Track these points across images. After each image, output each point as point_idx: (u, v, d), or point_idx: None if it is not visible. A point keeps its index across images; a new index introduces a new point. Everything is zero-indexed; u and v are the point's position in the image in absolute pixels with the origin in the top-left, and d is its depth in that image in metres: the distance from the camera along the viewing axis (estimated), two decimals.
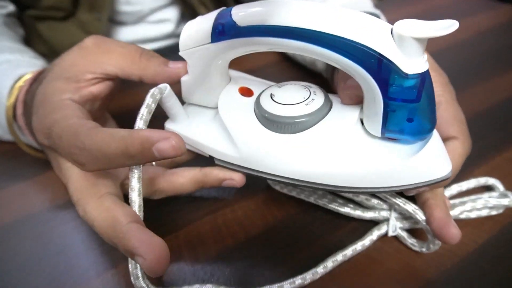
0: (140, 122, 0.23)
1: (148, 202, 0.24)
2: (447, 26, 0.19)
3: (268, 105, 0.24)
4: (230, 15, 0.23)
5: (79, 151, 0.22)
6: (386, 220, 0.27)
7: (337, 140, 0.23)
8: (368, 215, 0.27)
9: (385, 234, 0.27)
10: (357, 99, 0.24)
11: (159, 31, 0.57)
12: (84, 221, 0.23)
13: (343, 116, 0.24)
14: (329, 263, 0.25)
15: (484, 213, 0.28)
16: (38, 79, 0.30)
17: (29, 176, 0.32)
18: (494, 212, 0.28)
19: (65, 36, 0.51)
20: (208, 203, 0.30)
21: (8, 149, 0.35)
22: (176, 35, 0.60)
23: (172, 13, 0.56)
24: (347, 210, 0.28)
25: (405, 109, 0.21)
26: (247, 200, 0.30)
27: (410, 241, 0.26)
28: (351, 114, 0.24)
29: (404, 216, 0.27)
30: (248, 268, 0.25)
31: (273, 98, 0.25)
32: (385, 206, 0.27)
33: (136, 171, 0.23)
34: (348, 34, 0.20)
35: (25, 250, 0.27)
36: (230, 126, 0.25)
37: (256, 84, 0.28)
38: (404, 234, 0.26)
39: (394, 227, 0.26)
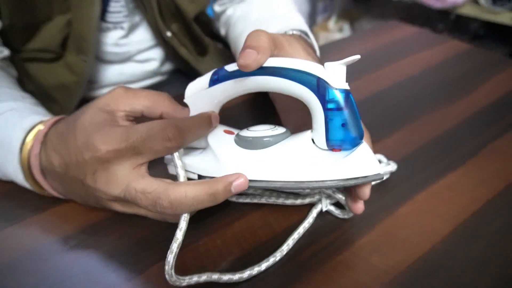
0: (181, 171, 0.30)
1: None
2: (353, 58, 0.29)
3: (246, 133, 0.32)
4: (224, 67, 0.32)
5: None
6: (320, 200, 0.36)
7: (292, 152, 0.31)
8: (307, 200, 0.36)
9: (320, 211, 0.36)
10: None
11: (145, 69, 0.63)
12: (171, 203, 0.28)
13: (298, 138, 0.32)
14: (290, 241, 0.33)
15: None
16: (60, 122, 0.34)
17: (25, 216, 0.36)
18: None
19: (53, 76, 0.55)
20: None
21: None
22: (160, 73, 0.66)
23: (157, 53, 0.62)
24: (291, 201, 0.36)
25: (339, 117, 0.29)
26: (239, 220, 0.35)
27: (337, 212, 0.36)
28: (304, 136, 0.31)
29: (329, 196, 0.36)
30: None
31: (248, 129, 0.33)
32: (316, 191, 0.37)
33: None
34: (297, 66, 0.30)
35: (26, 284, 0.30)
36: (217, 150, 0.32)
37: (234, 129, 0.36)
38: (332, 208, 0.36)
39: (326, 204, 0.36)
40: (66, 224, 0.35)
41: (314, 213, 0.36)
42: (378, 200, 0.37)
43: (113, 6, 0.54)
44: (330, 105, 0.29)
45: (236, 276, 0.30)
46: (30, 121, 0.35)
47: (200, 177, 0.33)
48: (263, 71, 0.30)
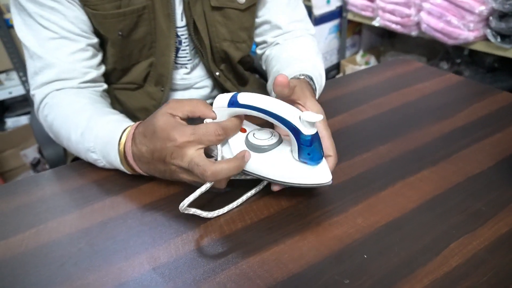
0: (220, 154, 0.49)
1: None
2: (316, 117, 0.44)
3: (252, 139, 0.50)
4: (237, 98, 0.47)
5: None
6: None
7: (280, 158, 0.49)
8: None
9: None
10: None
11: (199, 94, 0.83)
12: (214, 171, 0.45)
13: (284, 148, 0.50)
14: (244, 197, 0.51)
15: None
16: (141, 124, 0.52)
17: (118, 192, 0.55)
18: None
19: (136, 101, 0.77)
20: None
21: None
22: (210, 96, 0.86)
23: (209, 82, 0.82)
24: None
25: (306, 149, 0.46)
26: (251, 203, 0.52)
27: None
28: (288, 147, 0.49)
29: None
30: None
31: (254, 136, 0.50)
32: None
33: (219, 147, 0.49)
34: (282, 114, 0.45)
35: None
36: (232, 147, 0.50)
37: (248, 126, 0.53)
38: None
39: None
40: (153, 195, 0.54)
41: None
42: (367, 186, 0.53)
43: (181, 53, 0.75)
44: (302, 142, 0.46)
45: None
46: (124, 125, 0.54)
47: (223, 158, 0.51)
48: (264, 111, 0.46)
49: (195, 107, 0.49)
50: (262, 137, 0.50)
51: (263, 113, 0.46)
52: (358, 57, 2.38)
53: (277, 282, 0.41)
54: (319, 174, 0.47)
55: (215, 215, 0.49)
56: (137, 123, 0.54)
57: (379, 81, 0.86)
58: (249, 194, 0.52)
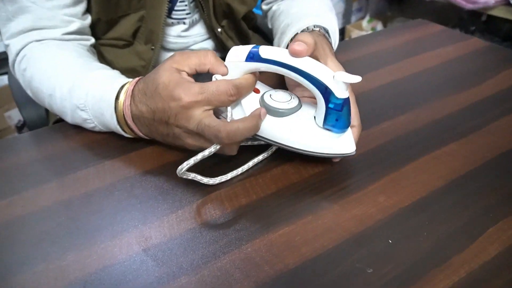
0: (231, 115, 0.42)
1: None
2: (353, 78, 0.39)
3: (268, 100, 0.44)
4: (258, 51, 0.41)
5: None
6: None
7: (300, 124, 0.43)
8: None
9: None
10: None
11: None
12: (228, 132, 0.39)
13: (305, 113, 0.44)
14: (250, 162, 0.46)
15: None
16: (140, 80, 0.45)
17: (114, 156, 0.49)
18: None
19: (124, 60, 0.68)
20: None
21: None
22: None
23: (209, 44, 0.74)
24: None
25: (335, 114, 0.41)
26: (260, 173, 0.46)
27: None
28: (309, 112, 0.44)
29: None
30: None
31: (271, 97, 0.44)
32: None
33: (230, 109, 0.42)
34: (314, 72, 0.40)
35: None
36: (246, 109, 0.43)
37: (262, 86, 0.46)
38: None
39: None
40: (145, 163, 0.47)
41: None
42: (387, 159, 0.47)
43: (178, 6, 0.66)
44: (331, 105, 0.41)
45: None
46: (120, 81, 0.47)
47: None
48: (291, 68, 0.40)
49: (204, 58, 0.43)
50: (281, 99, 0.44)
51: (289, 69, 0.40)
52: (364, 23, 2.27)
53: (288, 269, 0.35)
54: (343, 143, 0.43)
55: (217, 181, 0.43)
56: (137, 78, 0.47)
57: (395, 44, 0.78)
58: (255, 160, 0.46)
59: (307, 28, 0.53)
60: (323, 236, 0.38)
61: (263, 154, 0.47)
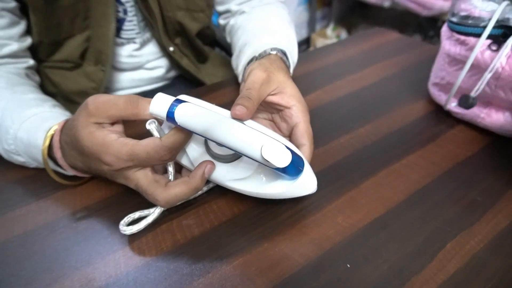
0: (172, 175, 0.39)
1: None
2: (281, 162, 0.33)
3: (213, 149, 0.40)
4: (174, 112, 0.34)
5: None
6: None
7: (252, 168, 0.39)
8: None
9: None
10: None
11: (153, 75, 0.72)
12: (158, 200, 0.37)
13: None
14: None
15: None
16: (64, 127, 0.41)
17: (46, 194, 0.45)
18: None
19: (73, 83, 0.64)
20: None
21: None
22: (166, 78, 0.75)
23: (163, 62, 0.71)
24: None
25: (280, 170, 0.35)
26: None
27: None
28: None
29: None
30: None
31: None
32: None
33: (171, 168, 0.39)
34: (238, 148, 0.34)
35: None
36: (190, 155, 0.40)
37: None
38: None
39: None
40: (92, 196, 0.44)
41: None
42: (346, 175, 0.46)
43: (127, 25, 0.63)
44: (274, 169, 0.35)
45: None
46: (49, 123, 0.43)
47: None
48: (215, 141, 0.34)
49: (123, 110, 0.37)
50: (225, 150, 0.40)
51: (211, 140, 0.35)
52: (329, 31, 2.29)
53: None
54: (302, 184, 0.38)
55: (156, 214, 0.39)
56: (61, 125, 0.41)
57: (354, 54, 0.78)
58: (210, 185, 0.44)
59: (264, 51, 0.51)
60: (279, 265, 0.36)
61: (207, 186, 0.44)
